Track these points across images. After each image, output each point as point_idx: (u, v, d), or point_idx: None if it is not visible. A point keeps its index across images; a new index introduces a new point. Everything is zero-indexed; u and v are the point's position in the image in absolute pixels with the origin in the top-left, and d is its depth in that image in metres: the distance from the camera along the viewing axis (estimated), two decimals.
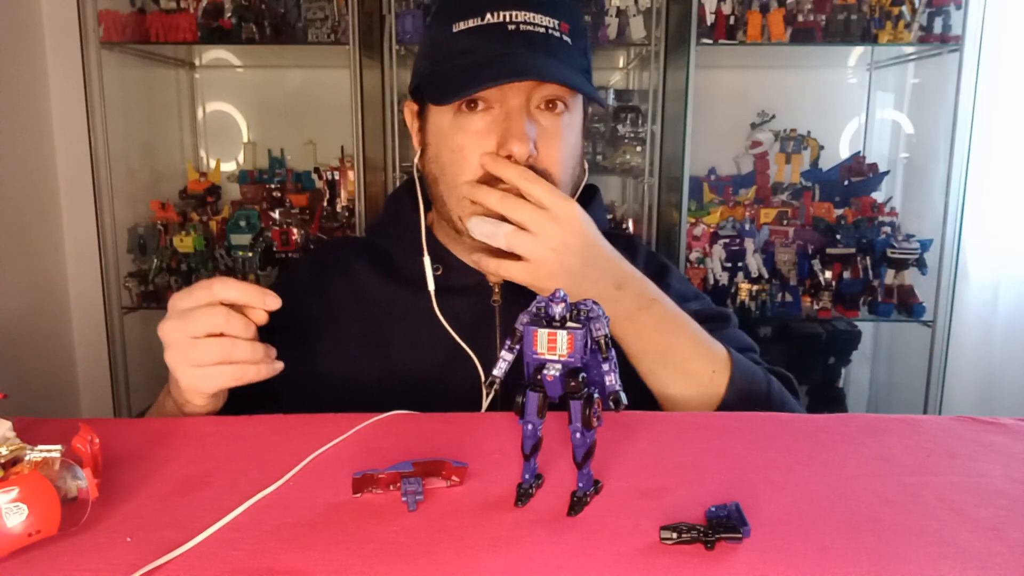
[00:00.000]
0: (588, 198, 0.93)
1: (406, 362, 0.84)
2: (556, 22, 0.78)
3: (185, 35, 1.83)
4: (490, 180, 0.77)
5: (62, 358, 2.03)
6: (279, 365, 0.69)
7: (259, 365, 0.67)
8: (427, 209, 0.90)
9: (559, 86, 0.77)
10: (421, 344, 0.83)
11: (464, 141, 0.78)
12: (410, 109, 0.87)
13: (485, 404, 0.80)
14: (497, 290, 0.85)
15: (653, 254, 0.98)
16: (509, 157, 0.76)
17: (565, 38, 0.78)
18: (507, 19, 0.76)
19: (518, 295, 0.81)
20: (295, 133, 2.15)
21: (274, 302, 0.67)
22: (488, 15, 0.77)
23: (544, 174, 0.77)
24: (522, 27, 0.76)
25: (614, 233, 0.97)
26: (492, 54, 0.76)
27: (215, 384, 0.67)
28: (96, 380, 2.03)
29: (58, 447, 0.45)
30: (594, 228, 0.77)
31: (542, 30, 0.77)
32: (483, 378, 0.81)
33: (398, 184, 2.01)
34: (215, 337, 0.65)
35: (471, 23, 0.77)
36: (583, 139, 0.86)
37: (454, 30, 0.78)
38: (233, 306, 0.66)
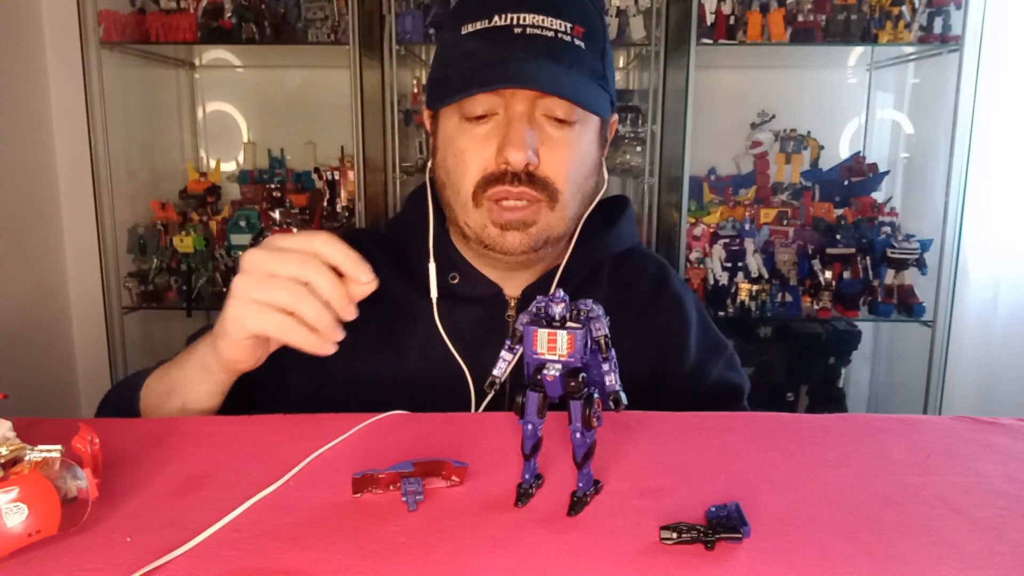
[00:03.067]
0: (617, 211, 0.91)
1: (414, 365, 0.83)
2: (568, 25, 0.75)
3: (185, 35, 1.83)
4: (492, 183, 0.76)
5: (62, 358, 2.03)
6: (331, 348, 0.63)
7: (312, 333, 0.61)
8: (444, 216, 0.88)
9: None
10: (430, 349, 0.82)
11: (466, 146, 0.77)
12: (427, 113, 0.86)
13: (482, 406, 0.79)
14: (513, 304, 0.84)
15: (677, 297, 0.90)
16: (507, 164, 0.74)
17: (577, 42, 0.76)
18: (514, 22, 0.74)
19: None
20: (295, 133, 2.15)
21: (367, 278, 0.62)
22: (496, 17, 0.75)
23: (546, 182, 0.76)
24: (529, 31, 0.74)
25: (643, 253, 0.94)
26: (494, 59, 0.74)
27: (258, 325, 0.62)
28: (96, 380, 2.03)
29: (58, 447, 0.45)
30: None
31: (551, 34, 0.74)
32: (473, 393, 0.80)
33: (398, 185, 2.03)
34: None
35: (478, 25, 0.76)
36: (602, 147, 0.84)
37: (462, 32, 0.77)
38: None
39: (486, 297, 0.84)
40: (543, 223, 0.78)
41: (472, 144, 0.77)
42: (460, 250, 0.86)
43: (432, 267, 0.83)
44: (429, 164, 0.85)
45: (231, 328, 0.64)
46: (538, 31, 0.74)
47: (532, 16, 0.74)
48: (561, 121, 0.76)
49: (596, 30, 0.78)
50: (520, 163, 0.74)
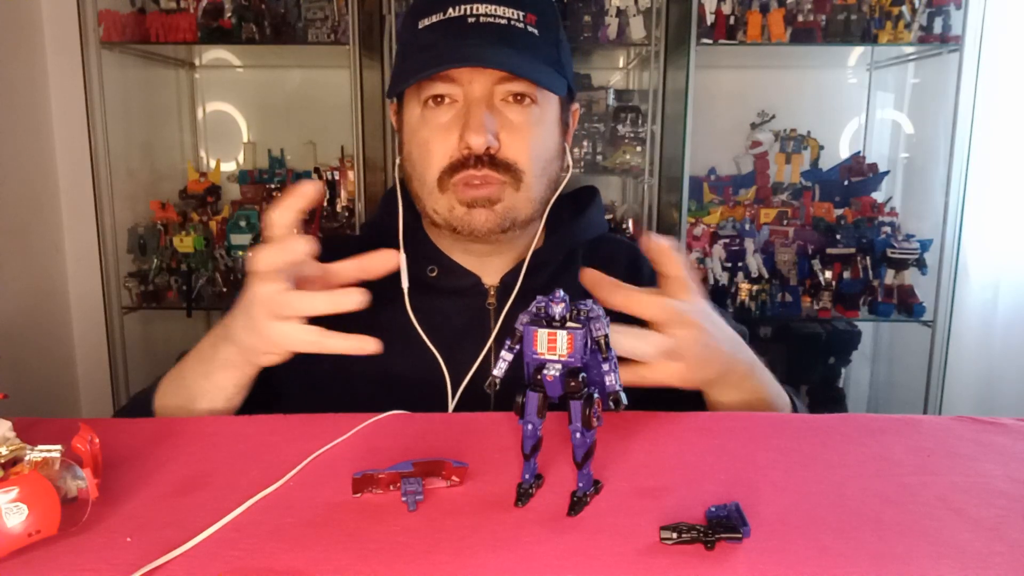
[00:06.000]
0: (587, 200, 0.93)
1: (393, 361, 0.83)
2: (521, 14, 0.78)
3: (185, 35, 1.83)
4: (457, 169, 0.77)
5: (62, 358, 2.03)
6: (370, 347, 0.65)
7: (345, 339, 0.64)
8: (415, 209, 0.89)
9: (523, 79, 0.77)
10: (408, 344, 0.83)
11: (429, 135, 0.79)
12: (393, 108, 0.88)
13: (456, 397, 0.80)
14: (492, 293, 0.85)
15: (652, 281, 0.93)
16: (468, 149, 0.76)
17: (531, 29, 0.79)
18: (467, 12, 0.77)
19: (513, 299, 0.82)
20: (295, 133, 2.15)
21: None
22: (450, 9, 0.78)
23: (508, 164, 0.78)
24: (482, 19, 0.77)
25: (615, 240, 0.97)
26: (449, 47, 0.77)
27: (298, 341, 0.63)
28: (96, 380, 2.03)
29: (58, 447, 0.45)
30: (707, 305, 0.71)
31: (504, 21, 0.77)
32: (448, 381, 0.81)
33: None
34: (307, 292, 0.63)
35: (434, 19, 0.78)
36: (564, 135, 0.86)
37: (419, 27, 0.80)
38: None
39: (465, 288, 0.85)
40: (508, 202, 0.79)
41: (434, 133, 0.79)
42: (436, 243, 0.87)
43: (402, 257, 0.83)
44: (398, 160, 0.87)
45: (257, 356, 0.66)
46: (491, 19, 0.77)
47: (485, 6, 0.78)
48: (520, 103, 0.78)
49: (549, 19, 0.81)
50: (480, 146, 0.76)
